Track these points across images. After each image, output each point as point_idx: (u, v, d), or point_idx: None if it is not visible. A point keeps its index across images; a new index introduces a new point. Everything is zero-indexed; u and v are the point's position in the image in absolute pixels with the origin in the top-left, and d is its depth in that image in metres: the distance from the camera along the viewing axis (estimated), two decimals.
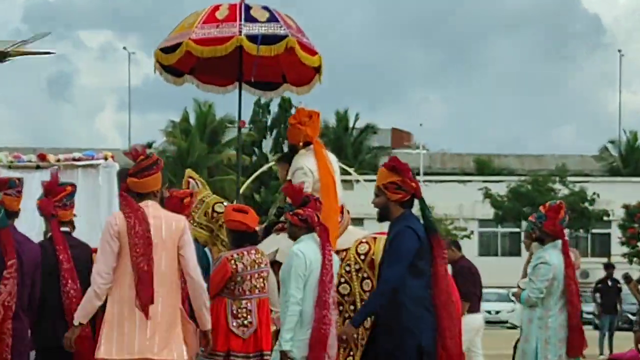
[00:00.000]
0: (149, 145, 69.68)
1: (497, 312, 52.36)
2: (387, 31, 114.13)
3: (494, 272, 60.04)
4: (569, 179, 60.33)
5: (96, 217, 13.37)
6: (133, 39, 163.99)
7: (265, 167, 53.88)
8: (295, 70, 12.33)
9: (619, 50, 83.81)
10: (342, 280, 10.98)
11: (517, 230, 63.12)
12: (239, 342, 11.09)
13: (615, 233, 57.49)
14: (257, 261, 10.73)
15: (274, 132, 65.41)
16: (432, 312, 9.38)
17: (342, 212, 11.39)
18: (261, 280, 10.70)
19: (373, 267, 10.88)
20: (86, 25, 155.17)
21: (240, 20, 11.82)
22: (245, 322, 11.06)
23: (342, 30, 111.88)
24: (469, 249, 62.47)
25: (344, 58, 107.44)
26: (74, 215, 11.14)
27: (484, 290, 55.00)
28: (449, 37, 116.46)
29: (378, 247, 11.04)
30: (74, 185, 11.21)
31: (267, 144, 65.28)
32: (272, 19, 11.94)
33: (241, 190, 41.97)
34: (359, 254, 11.00)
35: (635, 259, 52.37)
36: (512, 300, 53.20)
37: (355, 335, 10.53)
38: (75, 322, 9.30)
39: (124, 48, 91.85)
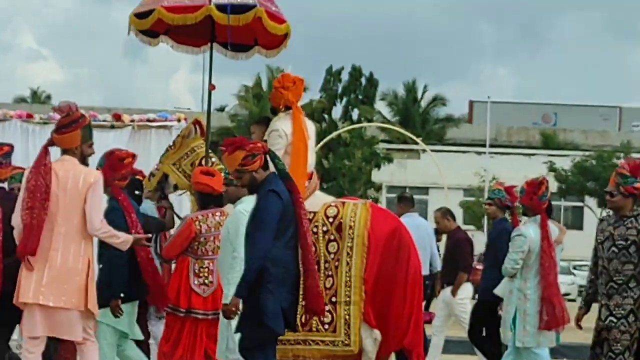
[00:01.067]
0: (222, 109, 69.98)
1: None
2: (459, 5, 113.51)
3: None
4: (634, 155, 59.67)
5: None
6: None
7: (334, 134, 53.98)
8: (266, 35, 12.41)
9: None
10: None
11: (581, 204, 63.02)
12: (200, 300, 11.52)
13: None
14: (221, 223, 11.07)
15: (344, 99, 65.14)
16: (291, 270, 9.54)
17: (310, 178, 11.42)
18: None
19: (340, 230, 11.04)
20: None
21: None
22: (207, 281, 11.50)
23: (414, 2, 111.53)
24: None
25: (415, 31, 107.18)
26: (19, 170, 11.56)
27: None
28: (520, 13, 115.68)
29: (346, 211, 11.20)
30: (10, 146, 11.50)
31: (337, 111, 64.85)
32: None
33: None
34: (327, 217, 11.12)
35: None
36: (573, 273, 52.67)
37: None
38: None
39: None
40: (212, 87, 12.88)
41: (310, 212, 10.96)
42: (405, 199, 17.36)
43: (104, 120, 17.29)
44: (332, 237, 11.05)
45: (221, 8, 11.78)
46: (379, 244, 11.09)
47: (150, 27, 12.26)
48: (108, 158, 10.84)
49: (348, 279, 10.99)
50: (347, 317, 10.98)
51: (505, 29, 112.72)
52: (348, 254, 11.03)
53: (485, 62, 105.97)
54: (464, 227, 62.69)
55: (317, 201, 11.27)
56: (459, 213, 58.47)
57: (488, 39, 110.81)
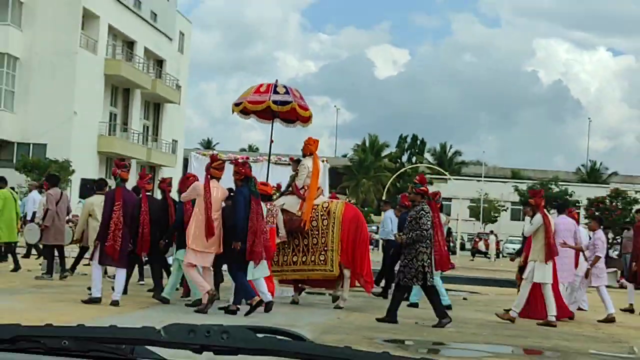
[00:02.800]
0: (345, 156, 70.35)
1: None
2: (467, 103, 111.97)
3: (519, 229, 58.88)
4: (560, 183, 58.15)
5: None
6: (339, 101, 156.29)
7: (402, 170, 53.62)
8: (300, 116, 12.13)
9: (589, 118, 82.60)
10: (313, 219, 10.96)
11: None
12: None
13: (582, 213, 55.17)
14: (271, 210, 10.52)
15: (409, 152, 64.90)
16: (244, 230, 9.36)
17: (318, 189, 11.30)
18: (272, 218, 10.51)
19: (329, 213, 10.93)
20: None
21: (270, 92, 11.69)
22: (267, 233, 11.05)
23: (440, 102, 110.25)
24: (506, 217, 61.23)
25: (446, 114, 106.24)
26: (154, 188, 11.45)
27: (514, 238, 51.38)
28: (501, 106, 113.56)
29: (333, 204, 11.16)
30: (151, 176, 11.42)
31: (405, 158, 64.76)
32: (287, 92, 11.79)
33: (390, 182, 41.31)
34: (323, 207, 11.05)
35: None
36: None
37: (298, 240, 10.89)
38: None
39: (335, 106, 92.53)
40: (272, 141, 12.52)
41: (316, 204, 11.00)
42: (387, 203, 16.13)
43: (284, 161, 16.82)
44: (324, 217, 10.96)
45: (275, 102, 11.63)
46: (347, 222, 10.98)
47: (242, 110, 12.05)
48: (186, 178, 10.60)
49: (333, 238, 10.89)
50: (332, 258, 10.89)
51: (493, 115, 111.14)
52: (333, 226, 10.93)
53: (481, 133, 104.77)
54: (469, 219, 61.20)
55: (320, 200, 11.18)
56: (466, 212, 58.43)
57: (483, 120, 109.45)
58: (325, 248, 10.90)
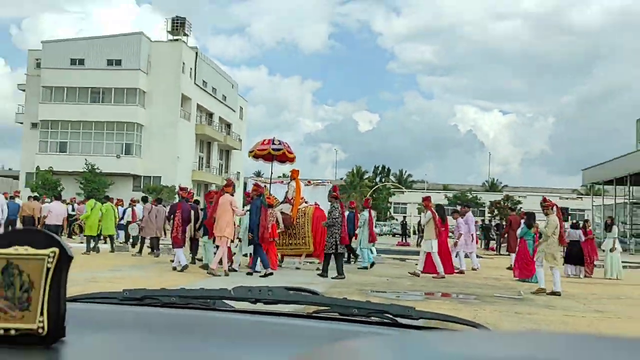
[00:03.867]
0: (341, 179, 70.06)
1: None
2: (415, 145, 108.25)
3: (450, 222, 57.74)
4: (472, 192, 57.66)
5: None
6: (338, 146, 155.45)
7: (375, 187, 53.57)
8: (288, 158, 11.63)
9: (489, 153, 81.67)
10: (297, 218, 10.48)
11: (456, 208, 60.18)
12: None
13: (486, 211, 54.50)
14: (272, 212, 9.71)
15: (380, 175, 64.64)
16: (257, 224, 8.94)
17: (301, 199, 10.81)
18: (273, 218, 9.74)
19: (305, 213, 10.46)
20: None
21: (270, 144, 11.25)
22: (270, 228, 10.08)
23: (399, 145, 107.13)
24: None
25: (402, 154, 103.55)
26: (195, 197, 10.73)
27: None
28: (436, 146, 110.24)
29: (308, 208, 10.58)
30: (191, 190, 10.89)
31: (377, 179, 64.50)
32: (280, 144, 11.26)
33: (368, 194, 40.51)
34: (302, 210, 10.59)
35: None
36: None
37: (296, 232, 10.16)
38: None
39: (335, 149, 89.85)
40: (272, 173, 11.80)
41: (299, 209, 10.60)
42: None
43: (307, 183, 14.06)
44: (302, 217, 10.61)
45: (273, 149, 11.19)
46: (315, 219, 10.60)
47: (254, 155, 11.57)
48: (209, 193, 10.28)
49: (307, 229, 10.56)
50: (308, 242, 10.53)
51: (431, 152, 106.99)
52: (307, 222, 10.59)
53: (424, 162, 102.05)
54: (417, 215, 60.59)
55: (302, 206, 10.81)
56: (415, 211, 57.99)
57: (425, 155, 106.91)
58: (304, 236, 10.60)
